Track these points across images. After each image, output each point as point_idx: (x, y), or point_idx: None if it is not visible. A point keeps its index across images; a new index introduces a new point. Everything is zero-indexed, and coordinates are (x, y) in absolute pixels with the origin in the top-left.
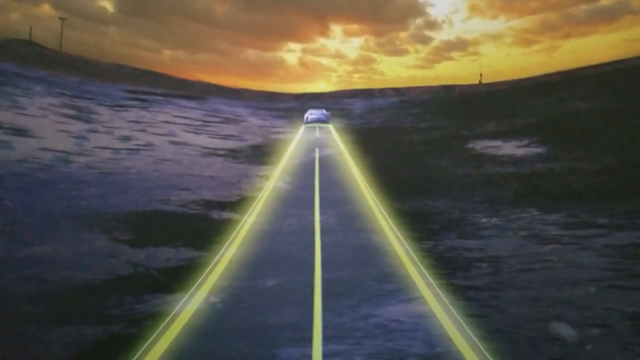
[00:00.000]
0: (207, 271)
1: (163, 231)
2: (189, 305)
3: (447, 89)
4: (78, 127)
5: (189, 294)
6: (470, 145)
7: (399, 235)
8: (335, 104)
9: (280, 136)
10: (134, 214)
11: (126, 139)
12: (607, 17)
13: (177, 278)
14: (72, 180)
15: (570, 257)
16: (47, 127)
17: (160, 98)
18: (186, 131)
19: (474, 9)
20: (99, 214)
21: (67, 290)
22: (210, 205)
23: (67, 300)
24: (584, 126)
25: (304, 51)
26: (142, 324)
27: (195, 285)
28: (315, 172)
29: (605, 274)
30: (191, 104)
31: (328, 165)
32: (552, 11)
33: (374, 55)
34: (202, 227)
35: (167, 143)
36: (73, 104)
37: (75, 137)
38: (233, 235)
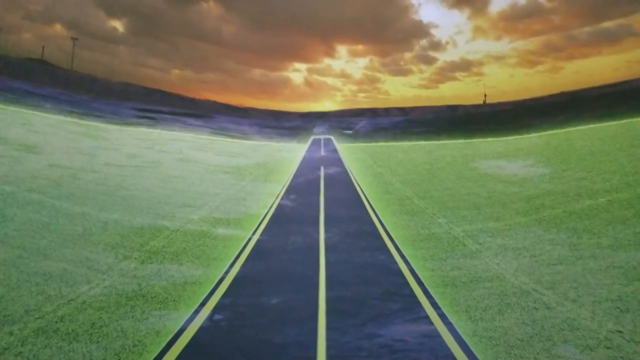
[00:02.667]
0: (211, 288)
1: (169, 247)
2: (193, 323)
3: (451, 108)
4: (86, 144)
5: (192, 311)
6: (475, 165)
7: (404, 254)
8: (340, 122)
9: (286, 154)
10: (138, 230)
11: (133, 156)
12: (610, 39)
13: (181, 295)
14: (79, 196)
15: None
16: (57, 144)
17: (168, 116)
18: (193, 149)
19: (477, 31)
20: (105, 230)
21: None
22: (215, 222)
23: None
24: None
25: (310, 71)
26: (144, 340)
27: (199, 303)
28: (320, 190)
29: None
30: (198, 122)
31: (333, 184)
32: (555, 33)
33: (379, 75)
34: (206, 244)
35: (174, 160)
36: (82, 122)
37: (83, 154)
38: (237, 252)
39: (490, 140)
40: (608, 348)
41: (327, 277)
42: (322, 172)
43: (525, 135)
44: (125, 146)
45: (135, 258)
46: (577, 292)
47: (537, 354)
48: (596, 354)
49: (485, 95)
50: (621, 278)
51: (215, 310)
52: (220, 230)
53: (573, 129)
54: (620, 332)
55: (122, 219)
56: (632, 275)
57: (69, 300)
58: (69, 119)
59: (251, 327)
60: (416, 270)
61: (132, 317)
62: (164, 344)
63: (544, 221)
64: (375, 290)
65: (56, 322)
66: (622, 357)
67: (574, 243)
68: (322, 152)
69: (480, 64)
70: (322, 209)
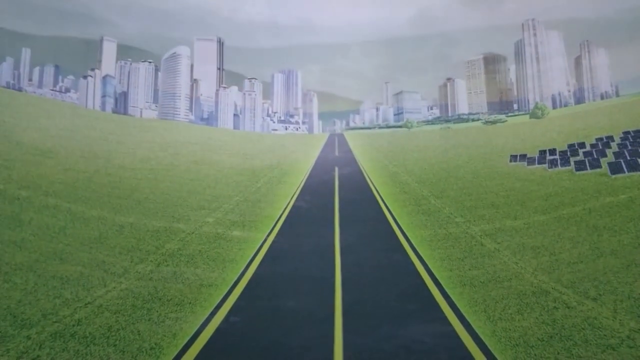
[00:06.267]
0: (227, 290)
1: (184, 249)
2: (209, 326)
3: None
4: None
5: (209, 313)
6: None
7: (420, 254)
8: None
9: (300, 155)
10: (154, 232)
11: (147, 159)
12: None
13: (197, 298)
14: (92, 199)
15: None
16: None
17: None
18: (208, 150)
19: None
20: (120, 233)
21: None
22: (231, 224)
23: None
24: None
25: None
26: (161, 343)
27: (215, 305)
28: (334, 191)
29: None
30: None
31: (347, 184)
32: None
33: None
34: (222, 246)
35: (189, 162)
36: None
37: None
38: (253, 254)
39: None
40: (631, 347)
41: (343, 278)
42: (336, 173)
43: None
44: (139, 150)
45: (151, 261)
46: (597, 290)
47: (558, 354)
48: (618, 353)
49: None
50: None
51: (231, 312)
52: (236, 232)
53: None
54: None
55: (137, 222)
56: None
57: (85, 304)
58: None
59: (267, 330)
60: (433, 271)
61: (149, 319)
62: (180, 347)
63: (564, 219)
64: (392, 291)
65: (73, 325)
66: None
67: (594, 241)
68: (337, 153)
69: None
70: (337, 209)
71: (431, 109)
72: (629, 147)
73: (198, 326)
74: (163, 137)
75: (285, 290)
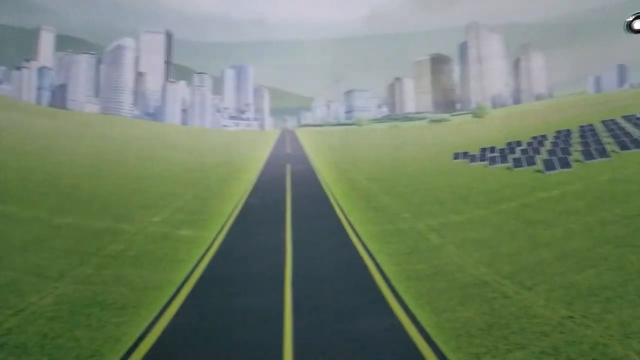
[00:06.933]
0: (173, 292)
1: (128, 251)
2: (154, 329)
3: None
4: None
5: (154, 316)
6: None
7: (370, 250)
8: None
9: (251, 151)
10: (95, 233)
11: (88, 155)
12: None
13: (141, 301)
14: (26, 199)
15: None
16: None
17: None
18: (154, 146)
19: None
20: (58, 234)
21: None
22: (179, 223)
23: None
24: None
25: None
26: (102, 350)
27: (161, 307)
28: (286, 188)
29: None
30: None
31: (299, 181)
32: None
33: None
34: (169, 246)
35: (134, 159)
36: None
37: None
38: (202, 253)
39: None
40: (562, 333)
41: (294, 275)
42: (288, 169)
43: None
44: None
45: (91, 263)
46: (532, 280)
47: (497, 342)
48: (551, 340)
49: None
50: (573, 266)
51: (178, 314)
52: (184, 231)
53: None
54: (571, 317)
55: (76, 221)
56: (583, 263)
57: (17, 311)
58: None
59: (215, 330)
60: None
61: (88, 325)
62: (123, 352)
63: (503, 213)
64: (342, 287)
65: (3, 335)
66: (573, 341)
67: (530, 234)
68: (288, 150)
69: None
70: (289, 206)
71: (381, 107)
72: (561, 146)
73: (142, 330)
74: (106, 133)
75: (235, 289)
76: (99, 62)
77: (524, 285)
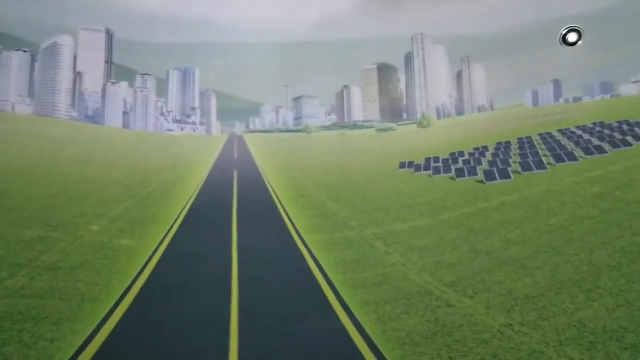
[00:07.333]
0: (112, 304)
1: (63, 261)
2: (91, 344)
3: None
4: None
5: (91, 330)
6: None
7: (317, 258)
8: None
9: (196, 157)
10: (26, 242)
11: (20, 159)
12: None
13: (77, 314)
14: None
15: None
16: None
17: None
18: (93, 150)
19: None
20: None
21: None
22: (118, 231)
23: None
24: None
25: None
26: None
27: (98, 321)
28: (233, 195)
29: None
30: None
31: (246, 188)
32: None
33: None
34: (108, 256)
35: (70, 164)
36: None
37: None
38: (144, 263)
39: None
40: (501, 340)
41: (240, 280)
42: (235, 174)
43: None
44: None
45: (22, 275)
46: (474, 288)
47: (440, 350)
48: (490, 347)
49: None
50: (511, 274)
51: (117, 328)
52: (124, 240)
53: None
54: (510, 325)
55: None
56: (520, 272)
57: None
58: None
59: (158, 341)
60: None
61: (19, 341)
62: (70, 355)
63: (445, 222)
64: (288, 291)
65: None
66: (511, 348)
67: (471, 243)
68: (235, 155)
69: None
70: (235, 209)
71: (329, 114)
72: (501, 157)
73: (78, 346)
74: (40, 135)
75: (179, 299)
76: (33, 60)
77: (465, 293)
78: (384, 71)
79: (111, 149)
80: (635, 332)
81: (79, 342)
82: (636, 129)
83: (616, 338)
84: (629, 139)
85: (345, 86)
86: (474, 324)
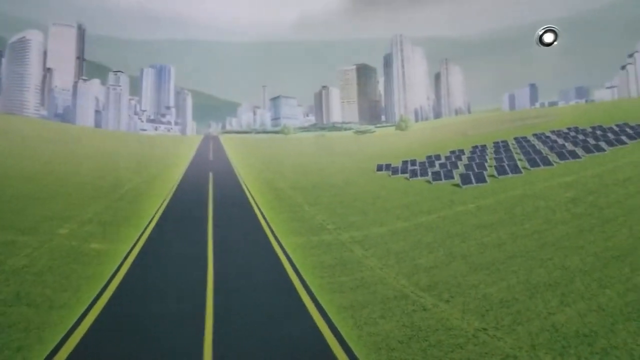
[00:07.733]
0: (82, 311)
1: (30, 266)
2: (60, 353)
3: None
4: None
5: (59, 339)
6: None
7: (294, 262)
8: None
9: (171, 158)
10: None
11: None
12: None
13: (45, 322)
14: None
15: None
16: None
17: None
18: (63, 151)
19: None
20: None
21: None
22: (88, 235)
23: None
24: None
25: None
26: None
27: (67, 329)
28: (208, 198)
29: None
30: None
31: (222, 191)
32: None
33: None
34: (78, 261)
35: (39, 164)
36: None
37: None
38: (115, 268)
39: None
40: (475, 345)
41: (215, 283)
42: (210, 177)
43: None
44: None
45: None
46: (450, 293)
47: (415, 355)
48: (465, 351)
49: None
50: (486, 279)
51: (87, 336)
52: (95, 244)
53: None
54: (485, 329)
55: None
56: (495, 276)
57: None
58: None
59: (130, 347)
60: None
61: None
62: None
63: (422, 226)
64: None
65: None
66: (486, 353)
67: (447, 246)
68: (211, 157)
69: None
70: (210, 210)
71: (307, 115)
72: (477, 161)
73: (46, 354)
74: (6, 134)
75: (152, 304)
76: (0, 55)
77: (441, 297)
78: (364, 72)
79: (81, 149)
80: (606, 336)
81: (47, 351)
82: (609, 134)
83: (587, 342)
84: (602, 144)
85: (324, 87)
86: (450, 328)
